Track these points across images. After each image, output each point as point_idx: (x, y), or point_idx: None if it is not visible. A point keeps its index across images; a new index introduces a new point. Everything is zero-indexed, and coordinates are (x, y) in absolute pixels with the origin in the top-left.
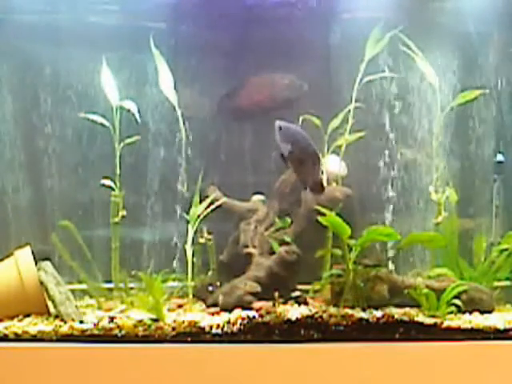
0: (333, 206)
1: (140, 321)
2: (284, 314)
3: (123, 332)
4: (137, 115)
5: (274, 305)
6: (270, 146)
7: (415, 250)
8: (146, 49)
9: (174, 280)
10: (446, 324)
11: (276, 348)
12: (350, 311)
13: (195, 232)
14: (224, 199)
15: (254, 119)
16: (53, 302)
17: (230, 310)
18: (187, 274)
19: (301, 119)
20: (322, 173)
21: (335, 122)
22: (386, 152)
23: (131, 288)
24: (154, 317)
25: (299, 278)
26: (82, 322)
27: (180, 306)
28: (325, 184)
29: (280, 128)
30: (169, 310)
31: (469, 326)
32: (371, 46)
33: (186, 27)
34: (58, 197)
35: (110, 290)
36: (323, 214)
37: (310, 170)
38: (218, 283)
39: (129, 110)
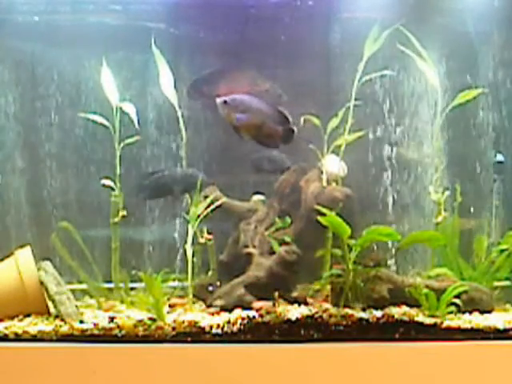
0: (333, 206)
1: (140, 321)
2: (284, 313)
3: (123, 332)
4: (135, 119)
5: (274, 305)
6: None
7: (415, 250)
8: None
9: (173, 280)
10: (445, 324)
11: (276, 348)
12: (349, 311)
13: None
14: (224, 199)
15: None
16: (53, 301)
17: (230, 310)
18: (187, 274)
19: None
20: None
21: (335, 122)
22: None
23: (132, 288)
24: (153, 316)
25: (299, 278)
26: (82, 321)
27: (172, 306)
28: (325, 184)
29: (225, 102)
30: (169, 305)
31: (469, 325)
32: (370, 44)
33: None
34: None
35: (110, 289)
36: (323, 214)
37: (274, 126)
38: (218, 283)
39: (125, 113)
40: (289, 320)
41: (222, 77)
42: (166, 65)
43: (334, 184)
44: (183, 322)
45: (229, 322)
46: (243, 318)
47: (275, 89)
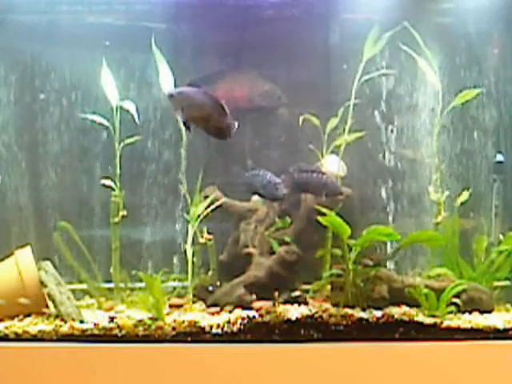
0: (333, 206)
1: (140, 321)
2: (284, 313)
3: (123, 332)
4: (136, 116)
5: (274, 305)
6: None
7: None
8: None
9: (173, 280)
10: (445, 324)
11: (276, 348)
12: (349, 311)
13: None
14: (224, 199)
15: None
16: (53, 301)
17: (229, 310)
18: (187, 274)
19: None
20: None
21: (334, 122)
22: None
23: (132, 289)
24: (153, 316)
25: (300, 278)
26: (82, 321)
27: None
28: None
29: (171, 95)
30: (169, 306)
31: (468, 325)
32: (369, 46)
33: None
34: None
35: (110, 289)
36: (323, 214)
37: (220, 119)
38: (218, 283)
39: (128, 111)
40: (289, 320)
41: (220, 78)
42: (166, 65)
43: None
44: (183, 321)
45: (229, 321)
46: (243, 318)
47: (275, 90)
